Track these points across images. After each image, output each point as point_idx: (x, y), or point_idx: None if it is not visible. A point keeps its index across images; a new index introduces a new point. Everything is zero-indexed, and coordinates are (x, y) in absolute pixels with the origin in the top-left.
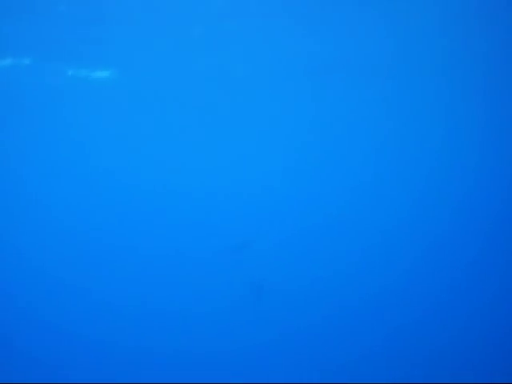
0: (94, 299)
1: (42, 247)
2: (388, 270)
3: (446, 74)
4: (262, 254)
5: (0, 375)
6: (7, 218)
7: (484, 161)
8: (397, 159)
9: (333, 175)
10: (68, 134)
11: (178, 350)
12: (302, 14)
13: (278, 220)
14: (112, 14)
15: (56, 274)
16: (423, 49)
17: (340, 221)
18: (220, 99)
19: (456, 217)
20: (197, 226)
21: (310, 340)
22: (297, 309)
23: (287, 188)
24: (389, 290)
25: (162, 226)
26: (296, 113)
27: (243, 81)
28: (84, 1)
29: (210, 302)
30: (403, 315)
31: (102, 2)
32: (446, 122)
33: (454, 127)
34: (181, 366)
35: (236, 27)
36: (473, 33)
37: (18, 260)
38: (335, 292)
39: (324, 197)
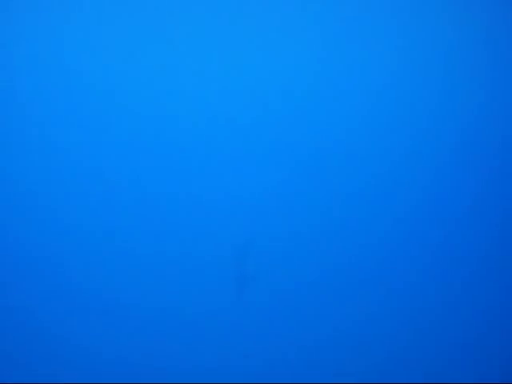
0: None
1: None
2: (387, 273)
3: None
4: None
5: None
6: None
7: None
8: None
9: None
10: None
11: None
12: None
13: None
14: None
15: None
16: None
17: (340, 219)
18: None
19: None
20: (196, 227)
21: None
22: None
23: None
24: (388, 291)
25: (160, 225)
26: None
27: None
28: None
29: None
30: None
31: None
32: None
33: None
34: (176, 365)
35: None
36: None
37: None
38: (332, 290)
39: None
